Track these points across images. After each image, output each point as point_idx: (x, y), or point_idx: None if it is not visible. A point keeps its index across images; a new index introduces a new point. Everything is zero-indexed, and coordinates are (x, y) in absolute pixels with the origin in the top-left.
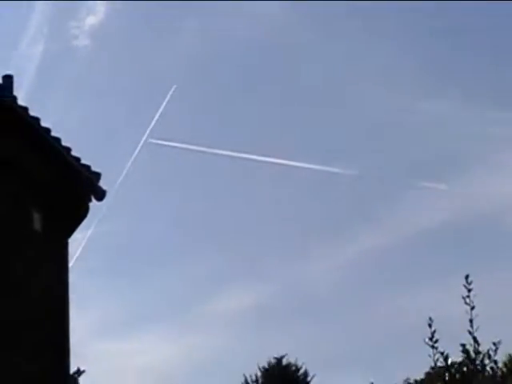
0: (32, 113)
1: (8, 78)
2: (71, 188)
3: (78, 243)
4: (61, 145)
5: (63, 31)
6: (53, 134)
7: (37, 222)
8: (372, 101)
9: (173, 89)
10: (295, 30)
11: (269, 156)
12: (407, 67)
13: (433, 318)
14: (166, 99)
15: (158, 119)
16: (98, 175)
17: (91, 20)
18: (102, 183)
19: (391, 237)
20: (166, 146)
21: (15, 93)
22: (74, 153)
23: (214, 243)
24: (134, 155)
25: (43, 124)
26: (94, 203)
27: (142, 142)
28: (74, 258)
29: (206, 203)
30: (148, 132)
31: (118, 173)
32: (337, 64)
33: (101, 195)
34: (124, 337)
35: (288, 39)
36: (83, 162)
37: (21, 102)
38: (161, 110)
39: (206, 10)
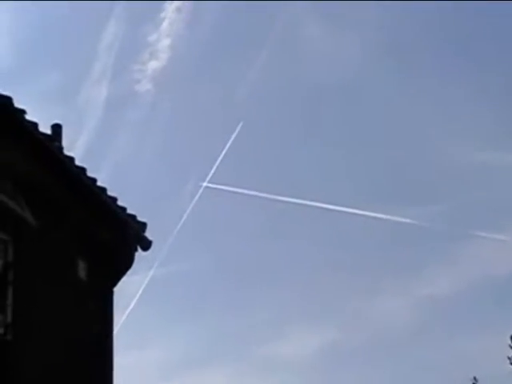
0: (81, 163)
1: (57, 128)
2: (117, 237)
3: (139, 285)
4: (107, 195)
5: (126, 75)
6: (99, 183)
7: (82, 270)
8: (427, 147)
9: (239, 127)
10: (369, 74)
11: (327, 203)
12: (469, 113)
13: (477, 376)
14: (229, 142)
15: (219, 163)
16: (144, 225)
17: (154, 64)
18: (155, 231)
19: (445, 288)
20: (227, 190)
21: (74, 137)
22: (121, 202)
23: (274, 286)
24: (195, 200)
25: (90, 174)
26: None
27: (202, 186)
28: (135, 299)
29: (265, 247)
30: (209, 177)
31: (180, 216)
32: (399, 109)
33: (147, 245)
34: (186, 377)
35: (360, 84)
36: (130, 211)
37: (83, 146)
38: (222, 154)
39: (275, 47)
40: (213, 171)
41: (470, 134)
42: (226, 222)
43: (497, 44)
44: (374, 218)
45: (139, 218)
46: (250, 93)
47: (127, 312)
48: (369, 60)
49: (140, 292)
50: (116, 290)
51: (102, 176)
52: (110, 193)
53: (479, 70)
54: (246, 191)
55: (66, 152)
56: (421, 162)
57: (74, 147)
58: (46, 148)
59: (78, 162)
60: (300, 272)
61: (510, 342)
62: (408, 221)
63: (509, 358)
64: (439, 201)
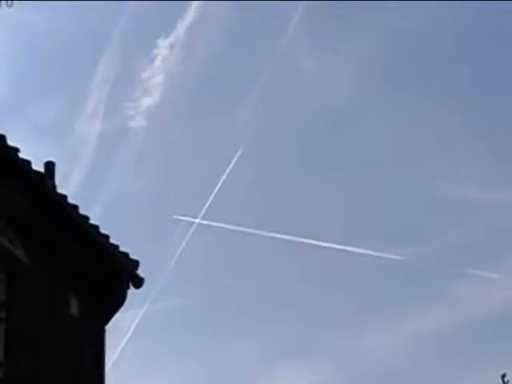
0: (74, 201)
1: (50, 165)
2: (109, 275)
3: (131, 321)
4: (99, 233)
5: (119, 111)
6: (92, 221)
7: (74, 307)
8: (418, 183)
9: (233, 162)
10: (362, 104)
11: (317, 239)
12: (462, 150)
13: None
14: (223, 178)
15: (213, 199)
16: (136, 262)
17: (147, 101)
18: (147, 267)
19: (436, 326)
20: (220, 227)
21: (67, 173)
22: (113, 240)
23: (264, 323)
24: (187, 237)
25: (83, 212)
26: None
27: (195, 223)
28: (127, 336)
29: (257, 283)
30: (202, 213)
31: (172, 253)
32: (390, 141)
33: (139, 283)
34: None
35: (353, 115)
36: (122, 249)
37: (76, 182)
38: (216, 190)
39: (271, 78)
40: (205, 208)
41: (463, 171)
42: (218, 259)
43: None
44: (364, 254)
45: (132, 256)
46: (245, 127)
47: (119, 349)
48: (361, 89)
49: (132, 328)
50: (108, 326)
51: (95, 212)
52: (102, 230)
53: (477, 105)
54: (238, 228)
55: (59, 189)
56: (412, 198)
57: (67, 183)
58: (39, 186)
59: (70, 199)
60: (289, 309)
61: (500, 381)
62: (398, 258)
63: None
64: (430, 238)
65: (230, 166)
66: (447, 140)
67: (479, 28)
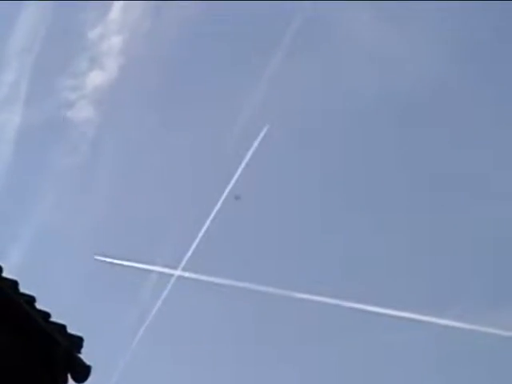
0: None
1: None
2: (34, 362)
3: None
4: (17, 291)
5: (51, 95)
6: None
7: None
8: None
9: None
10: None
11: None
12: None
13: None
14: (212, 215)
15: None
16: (78, 341)
17: (96, 77)
18: (97, 350)
19: None
20: (200, 280)
21: None
22: (41, 304)
23: None
24: (164, 295)
25: None
26: None
27: (175, 276)
28: None
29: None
30: (182, 265)
31: (138, 322)
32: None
33: (82, 373)
34: None
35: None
36: (55, 319)
37: None
38: (197, 240)
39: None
40: (188, 255)
41: None
42: (200, 320)
43: None
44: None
45: (71, 331)
46: (241, 138)
47: None
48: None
49: None
50: None
51: (10, 259)
52: (22, 288)
53: None
54: (223, 280)
55: None
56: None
57: None
58: None
59: None
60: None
61: None
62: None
63: None
64: None
65: (219, 203)
66: None
67: None
